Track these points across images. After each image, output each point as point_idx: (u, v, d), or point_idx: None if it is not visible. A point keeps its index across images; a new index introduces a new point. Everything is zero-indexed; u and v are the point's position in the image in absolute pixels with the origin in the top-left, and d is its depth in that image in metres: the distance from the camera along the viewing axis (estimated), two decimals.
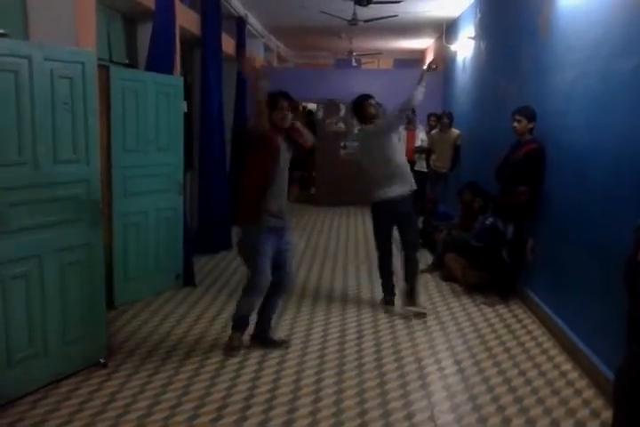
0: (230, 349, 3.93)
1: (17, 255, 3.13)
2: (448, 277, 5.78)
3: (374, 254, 5.11)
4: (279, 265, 3.92)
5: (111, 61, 5.17)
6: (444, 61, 4.77)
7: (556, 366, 3.82)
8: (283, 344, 4.05)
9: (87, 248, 3.55)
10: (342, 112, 10.54)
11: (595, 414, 3.23)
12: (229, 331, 4.07)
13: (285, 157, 3.82)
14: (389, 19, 8.75)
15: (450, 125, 8.33)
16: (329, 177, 10.60)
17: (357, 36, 11.61)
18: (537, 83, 5.03)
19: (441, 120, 8.51)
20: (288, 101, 3.75)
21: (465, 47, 8.44)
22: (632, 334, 2.55)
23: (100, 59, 4.39)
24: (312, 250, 7.13)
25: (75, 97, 3.38)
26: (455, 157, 8.34)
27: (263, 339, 4.06)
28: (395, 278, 5.02)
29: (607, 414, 3.19)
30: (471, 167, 7.70)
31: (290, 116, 3.77)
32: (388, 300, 4.94)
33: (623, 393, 2.61)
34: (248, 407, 3.22)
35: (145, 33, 5.39)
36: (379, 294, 5.16)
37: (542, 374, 3.71)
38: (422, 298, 4.99)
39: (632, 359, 2.55)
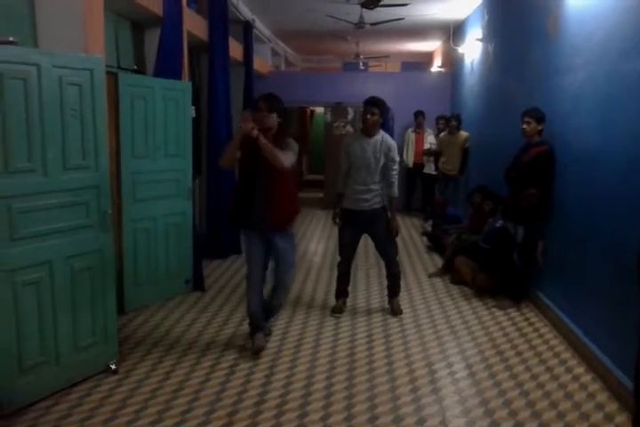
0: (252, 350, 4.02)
1: (28, 262, 3.14)
2: (458, 280, 5.76)
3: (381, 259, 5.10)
4: (276, 265, 4.07)
5: (119, 68, 5.18)
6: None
7: (569, 370, 3.79)
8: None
9: (98, 254, 3.56)
10: (350, 116, 10.54)
11: (608, 417, 3.20)
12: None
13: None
14: (396, 22, 8.74)
15: (458, 128, 8.31)
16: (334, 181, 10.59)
17: (364, 39, 11.62)
18: (546, 84, 5.01)
19: (449, 123, 8.49)
20: (266, 103, 3.79)
21: (473, 49, 8.43)
22: None
23: (108, 65, 4.41)
24: (322, 255, 7.13)
25: (83, 104, 3.39)
26: (464, 160, 8.32)
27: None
28: (350, 286, 5.05)
29: (621, 418, 3.17)
30: (480, 170, 7.67)
31: (270, 117, 3.79)
32: (335, 308, 4.88)
33: None
34: (259, 413, 3.22)
35: (153, 39, 5.40)
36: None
37: (554, 377, 3.69)
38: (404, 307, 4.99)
39: None
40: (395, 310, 4.86)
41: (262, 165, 3.79)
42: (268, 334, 4.26)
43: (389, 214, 4.74)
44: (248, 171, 3.88)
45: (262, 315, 4.12)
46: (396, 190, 4.72)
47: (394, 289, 4.94)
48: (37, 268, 3.20)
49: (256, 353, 3.96)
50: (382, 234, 4.77)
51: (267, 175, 3.82)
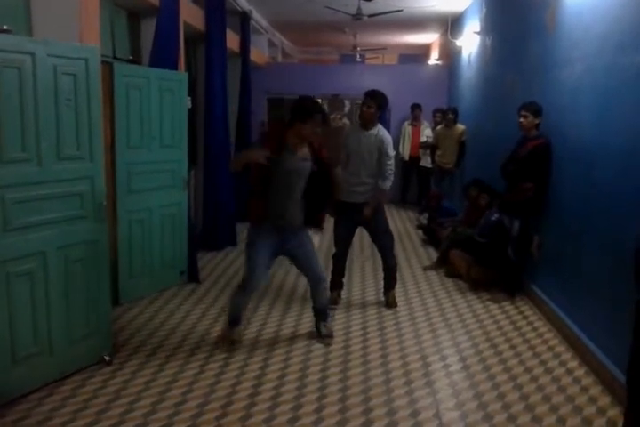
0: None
1: (21, 253, 3.12)
2: (453, 273, 5.76)
3: (377, 251, 5.08)
4: (300, 265, 4.08)
5: (115, 57, 5.15)
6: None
7: (563, 364, 3.81)
8: (323, 339, 4.12)
9: (92, 245, 3.54)
10: (347, 108, 10.50)
11: (601, 411, 3.21)
12: (218, 330, 4.18)
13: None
14: (394, 13, 8.70)
15: (455, 121, 8.30)
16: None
17: (362, 31, 11.56)
18: (543, 78, 5.00)
19: (446, 116, 8.47)
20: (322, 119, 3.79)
21: (470, 42, 8.39)
22: None
23: (103, 55, 4.37)
24: (317, 247, 7.10)
25: (78, 93, 3.36)
26: (460, 153, 8.31)
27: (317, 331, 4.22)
28: (344, 279, 5.08)
29: (614, 412, 3.18)
30: (476, 163, 7.66)
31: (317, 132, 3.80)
32: (330, 300, 4.79)
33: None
34: (253, 405, 3.22)
35: (149, 29, 5.36)
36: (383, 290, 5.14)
37: (548, 371, 3.70)
38: (399, 300, 4.97)
39: None
40: (390, 303, 4.86)
41: (302, 173, 3.78)
42: (329, 336, 4.15)
43: (371, 202, 4.63)
44: (285, 177, 3.76)
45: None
46: (386, 184, 4.63)
47: (390, 282, 4.94)
48: (31, 259, 3.18)
49: (229, 343, 3.96)
50: (378, 226, 4.76)
51: (298, 179, 3.80)
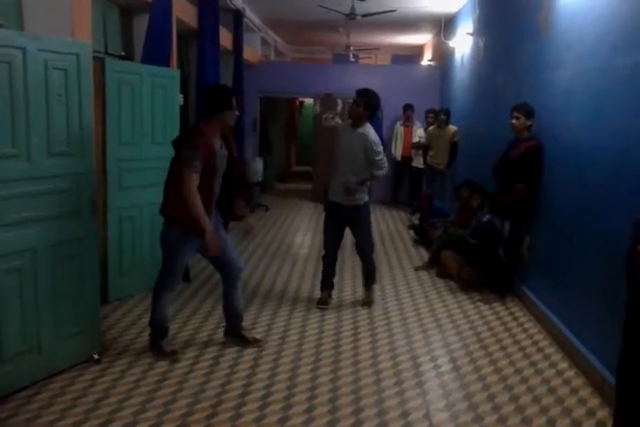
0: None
1: (10, 249, 3.09)
2: (444, 274, 5.76)
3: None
4: (220, 262, 3.81)
5: (106, 53, 5.11)
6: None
7: (553, 365, 3.81)
8: (256, 343, 3.97)
9: (82, 242, 3.51)
10: (339, 107, 10.49)
11: (591, 413, 3.22)
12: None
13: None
14: (388, 13, 8.69)
15: (447, 122, 8.31)
16: (326, 172, 10.54)
17: (355, 30, 11.54)
18: (536, 79, 5.01)
19: (438, 117, 8.48)
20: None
21: (463, 43, 8.40)
22: (633, 331, 2.52)
23: (95, 51, 4.34)
24: (308, 246, 7.11)
25: (69, 89, 3.33)
26: (452, 154, 8.33)
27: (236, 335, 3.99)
28: (335, 279, 5.03)
29: (603, 414, 3.19)
30: (468, 164, 7.68)
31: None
32: (320, 300, 4.86)
33: (630, 391, 2.57)
34: (243, 404, 3.20)
35: (141, 25, 5.33)
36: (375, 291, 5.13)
37: (539, 372, 3.70)
38: (377, 298, 4.99)
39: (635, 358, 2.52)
40: (367, 301, 4.87)
41: (222, 167, 3.65)
42: (258, 340, 4.02)
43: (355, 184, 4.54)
44: (214, 173, 3.59)
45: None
46: (377, 173, 4.55)
47: (370, 279, 4.92)
48: (20, 255, 3.15)
49: (175, 359, 3.71)
50: (359, 231, 4.76)
51: (222, 172, 3.67)
